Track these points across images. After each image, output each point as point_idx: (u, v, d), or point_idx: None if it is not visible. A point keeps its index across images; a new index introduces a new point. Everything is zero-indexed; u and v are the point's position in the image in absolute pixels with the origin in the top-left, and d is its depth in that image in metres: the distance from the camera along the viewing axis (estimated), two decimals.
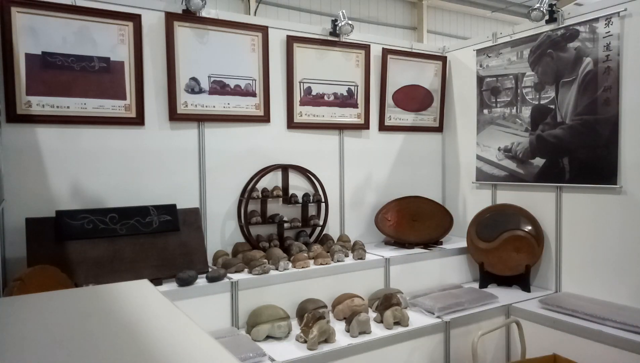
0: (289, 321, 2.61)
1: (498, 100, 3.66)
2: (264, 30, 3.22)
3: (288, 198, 3.31)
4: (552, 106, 3.27)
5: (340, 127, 3.62)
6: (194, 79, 3.00)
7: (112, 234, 2.60)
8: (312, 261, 3.03)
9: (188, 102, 2.99)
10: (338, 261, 3.08)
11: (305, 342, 2.44)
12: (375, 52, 3.73)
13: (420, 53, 3.97)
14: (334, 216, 3.61)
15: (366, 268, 3.15)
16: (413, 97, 3.96)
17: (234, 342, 2.39)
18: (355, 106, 3.65)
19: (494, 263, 3.43)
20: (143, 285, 1.30)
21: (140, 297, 1.20)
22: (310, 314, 2.51)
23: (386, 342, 2.60)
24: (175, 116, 2.95)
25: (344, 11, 3.53)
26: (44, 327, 0.99)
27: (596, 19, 2.98)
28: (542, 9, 3.19)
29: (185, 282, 2.54)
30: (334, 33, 3.51)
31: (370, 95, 3.71)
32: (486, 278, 3.46)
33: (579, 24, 3.08)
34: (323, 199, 3.42)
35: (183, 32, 2.95)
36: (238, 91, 3.15)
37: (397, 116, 3.89)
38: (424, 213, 3.73)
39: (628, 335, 2.48)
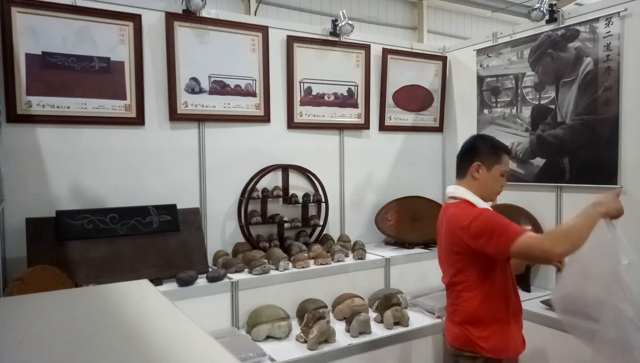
0: (289, 321, 2.61)
1: (498, 100, 3.65)
2: (264, 30, 3.22)
3: (288, 198, 3.31)
4: (553, 106, 3.27)
5: (341, 127, 3.62)
6: (194, 79, 3.00)
7: (112, 234, 2.60)
8: (312, 261, 3.03)
9: (188, 102, 2.99)
10: (338, 261, 3.08)
11: (306, 342, 2.44)
12: (376, 52, 3.73)
13: (420, 53, 3.97)
14: (334, 216, 3.61)
15: (366, 268, 3.15)
16: (413, 97, 3.96)
17: (234, 342, 2.40)
18: (355, 106, 3.65)
19: None
20: (143, 285, 1.30)
21: (140, 297, 1.20)
22: (310, 314, 2.51)
23: (386, 342, 2.60)
24: (175, 116, 2.95)
25: (344, 11, 3.53)
26: (44, 327, 0.99)
27: (596, 19, 2.98)
28: (542, 9, 3.19)
29: (185, 282, 2.54)
30: (334, 33, 3.51)
31: (370, 95, 3.70)
32: None
33: (579, 24, 3.08)
34: (323, 199, 3.41)
35: (183, 32, 2.95)
36: (238, 91, 3.15)
37: (397, 116, 3.89)
38: (424, 213, 3.73)
39: None
